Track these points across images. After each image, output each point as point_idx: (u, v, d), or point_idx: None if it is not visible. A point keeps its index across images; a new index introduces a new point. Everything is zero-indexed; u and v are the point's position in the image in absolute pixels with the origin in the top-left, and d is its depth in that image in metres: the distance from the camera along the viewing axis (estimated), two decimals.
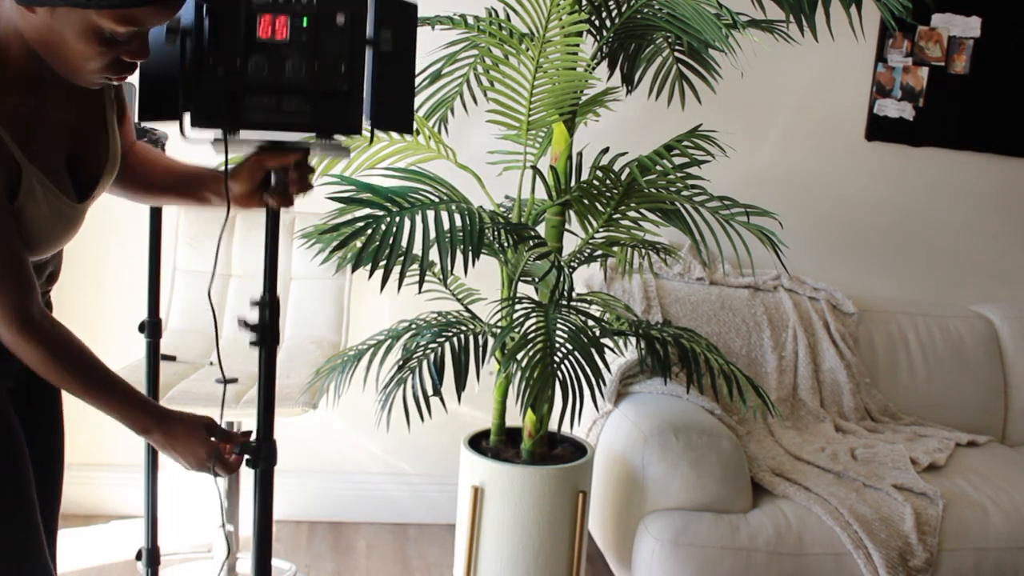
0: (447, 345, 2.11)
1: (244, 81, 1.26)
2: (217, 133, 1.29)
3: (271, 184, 1.40)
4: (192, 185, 1.51)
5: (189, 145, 1.33)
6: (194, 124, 1.28)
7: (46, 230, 1.28)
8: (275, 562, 2.66)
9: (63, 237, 1.33)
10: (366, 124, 1.34)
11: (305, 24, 1.26)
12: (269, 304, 1.40)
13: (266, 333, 1.40)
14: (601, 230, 2.07)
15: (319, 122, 1.30)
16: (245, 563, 2.62)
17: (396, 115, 1.38)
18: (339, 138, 1.35)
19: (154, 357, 2.05)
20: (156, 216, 2.03)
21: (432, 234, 1.83)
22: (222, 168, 1.36)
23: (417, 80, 2.24)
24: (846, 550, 2.15)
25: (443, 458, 3.03)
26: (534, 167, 2.11)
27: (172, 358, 2.33)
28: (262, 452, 1.41)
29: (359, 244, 1.82)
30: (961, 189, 3.21)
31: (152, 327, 2.06)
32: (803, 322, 2.88)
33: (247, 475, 2.86)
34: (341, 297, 2.68)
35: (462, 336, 2.12)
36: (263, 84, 1.26)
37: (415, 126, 2.10)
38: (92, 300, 2.82)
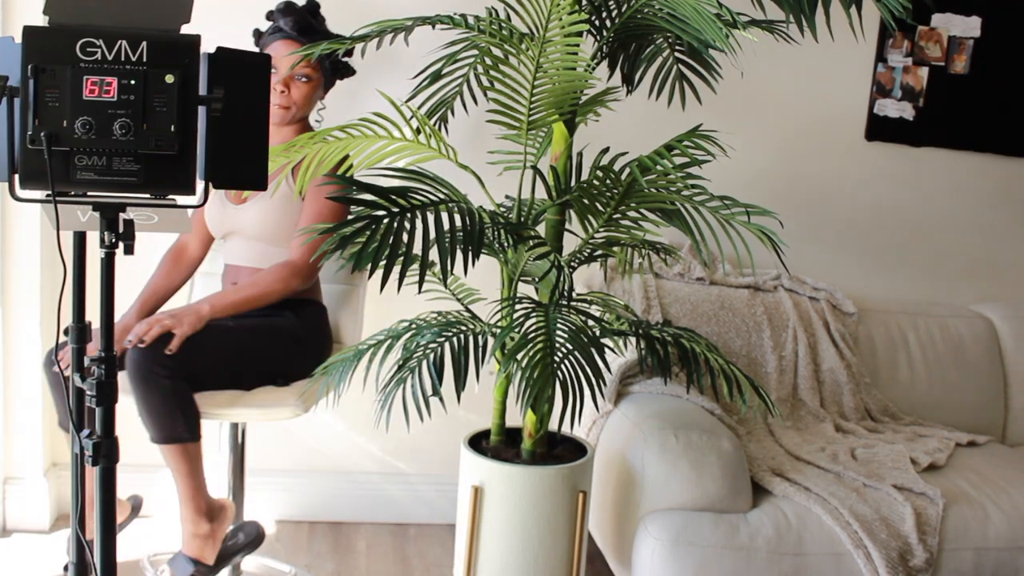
0: (447, 345, 2.11)
1: (71, 142, 1.26)
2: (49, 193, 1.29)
3: None
4: None
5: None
6: (23, 185, 1.28)
7: None
8: (275, 564, 2.66)
9: None
10: (201, 183, 1.34)
11: (134, 84, 1.26)
12: (106, 360, 1.40)
13: (103, 390, 1.39)
14: (601, 230, 2.07)
15: (149, 182, 1.30)
16: (250, 561, 2.62)
17: (240, 172, 1.38)
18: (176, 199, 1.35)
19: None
20: None
21: (432, 234, 1.83)
22: None
23: (417, 80, 2.24)
24: (846, 550, 2.15)
25: (443, 458, 3.03)
26: (534, 167, 2.11)
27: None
28: (102, 449, 1.39)
29: (359, 244, 1.81)
30: (961, 189, 3.21)
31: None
32: (803, 322, 2.88)
33: (249, 474, 2.86)
34: (355, 297, 2.67)
35: (462, 336, 2.12)
36: (91, 145, 1.26)
37: (417, 124, 2.10)
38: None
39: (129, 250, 1.38)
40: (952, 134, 3.14)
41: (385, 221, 1.82)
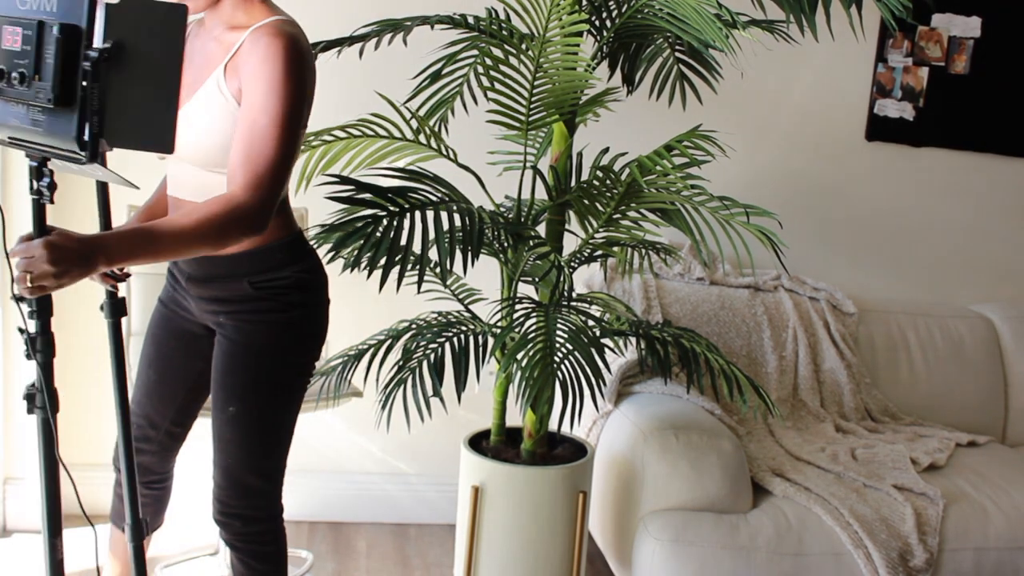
0: (447, 345, 2.11)
1: None
2: None
3: None
4: None
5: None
6: None
7: None
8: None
9: None
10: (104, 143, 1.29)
11: (30, 35, 1.24)
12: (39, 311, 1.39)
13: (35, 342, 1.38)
14: (601, 230, 2.07)
15: (47, 136, 1.27)
16: None
17: (140, 131, 1.31)
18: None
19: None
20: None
21: (432, 234, 1.83)
22: None
23: (417, 80, 2.24)
24: (846, 550, 2.15)
25: (443, 458, 3.03)
26: (534, 167, 2.11)
27: None
28: (38, 400, 1.39)
29: (360, 244, 1.81)
30: (961, 189, 3.21)
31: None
32: (803, 322, 2.88)
33: None
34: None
35: (462, 336, 2.12)
36: (4, 94, 1.27)
37: (417, 125, 2.10)
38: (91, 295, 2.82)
39: (50, 199, 1.36)
40: (952, 134, 3.14)
41: (385, 221, 1.82)
